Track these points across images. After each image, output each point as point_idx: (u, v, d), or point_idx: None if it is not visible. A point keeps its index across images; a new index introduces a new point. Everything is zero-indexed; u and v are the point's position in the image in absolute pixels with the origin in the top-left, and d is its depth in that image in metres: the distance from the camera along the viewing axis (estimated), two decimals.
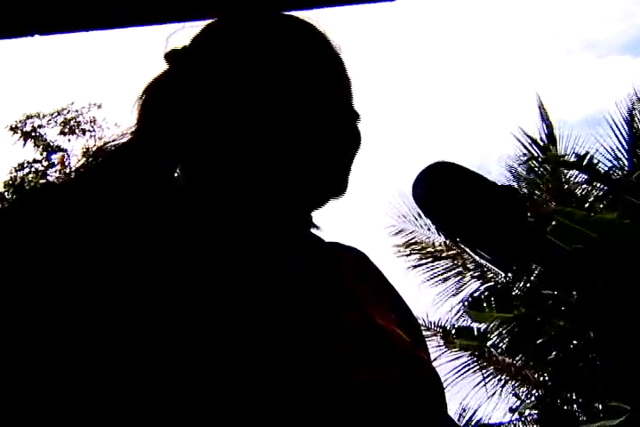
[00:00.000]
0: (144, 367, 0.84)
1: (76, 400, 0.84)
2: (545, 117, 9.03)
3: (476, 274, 9.17)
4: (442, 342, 8.70)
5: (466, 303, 8.91)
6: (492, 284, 8.95)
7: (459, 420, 8.97)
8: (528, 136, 8.99)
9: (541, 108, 9.05)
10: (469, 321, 8.87)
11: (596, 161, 8.21)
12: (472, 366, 8.80)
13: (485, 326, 8.59)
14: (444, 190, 0.94)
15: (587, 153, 7.87)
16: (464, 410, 8.96)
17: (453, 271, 9.31)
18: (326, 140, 1.00)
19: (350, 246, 1.13)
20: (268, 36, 1.03)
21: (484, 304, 8.37)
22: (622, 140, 8.50)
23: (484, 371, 8.74)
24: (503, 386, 8.74)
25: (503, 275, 8.63)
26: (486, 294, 8.69)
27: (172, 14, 1.83)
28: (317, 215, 1.07)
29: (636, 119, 8.59)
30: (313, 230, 1.08)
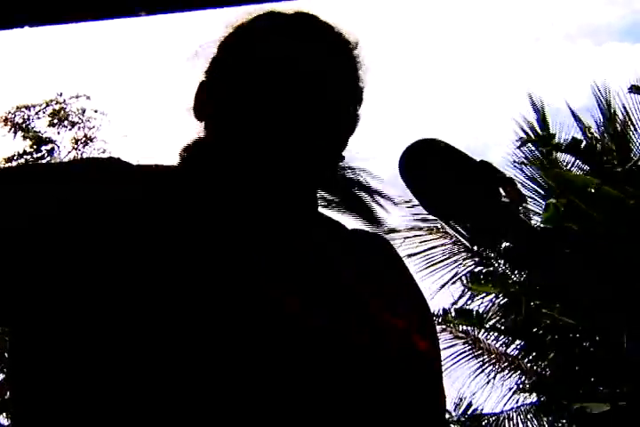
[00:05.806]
0: (187, 324, 0.86)
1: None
2: (537, 107, 9.02)
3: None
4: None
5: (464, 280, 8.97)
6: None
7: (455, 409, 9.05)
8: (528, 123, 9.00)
9: (532, 97, 9.05)
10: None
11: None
12: (468, 353, 8.85)
13: (484, 306, 8.70)
14: (421, 167, 0.97)
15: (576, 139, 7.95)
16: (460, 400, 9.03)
17: (450, 259, 9.31)
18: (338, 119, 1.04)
19: (375, 233, 1.16)
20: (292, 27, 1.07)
21: (483, 281, 8.50)
22: None
23: (476, 354, 8.79)
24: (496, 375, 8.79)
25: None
26: (484, 271, 8.79)
27: (160, 6, 1.85)
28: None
29: None
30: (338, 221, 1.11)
